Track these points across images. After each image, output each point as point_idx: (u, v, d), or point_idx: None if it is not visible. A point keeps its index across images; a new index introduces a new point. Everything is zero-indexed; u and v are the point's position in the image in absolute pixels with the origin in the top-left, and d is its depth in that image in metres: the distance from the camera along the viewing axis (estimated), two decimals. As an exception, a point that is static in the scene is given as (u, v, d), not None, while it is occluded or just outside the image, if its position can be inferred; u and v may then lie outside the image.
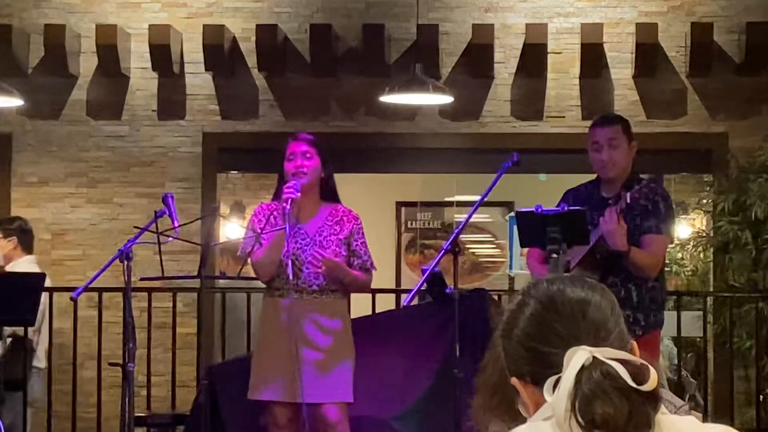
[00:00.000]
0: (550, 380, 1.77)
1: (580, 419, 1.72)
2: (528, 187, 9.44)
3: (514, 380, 1.87)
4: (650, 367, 1.76)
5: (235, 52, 8.70)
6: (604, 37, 8.49)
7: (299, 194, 5.63)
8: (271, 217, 5.70)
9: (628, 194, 5.33)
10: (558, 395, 1.74)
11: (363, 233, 5.89)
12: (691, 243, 9.32)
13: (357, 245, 5.85)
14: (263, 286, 7.97)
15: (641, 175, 5.73)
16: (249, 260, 5.85)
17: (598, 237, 5.41)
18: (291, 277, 5.59)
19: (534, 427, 1.80)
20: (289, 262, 5.61)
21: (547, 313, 1.85)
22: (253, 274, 5.97)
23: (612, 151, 5.58)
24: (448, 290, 5.72)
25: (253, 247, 5.69)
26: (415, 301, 6.08)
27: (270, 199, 5.95)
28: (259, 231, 5.69)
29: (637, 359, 1.77)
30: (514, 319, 1.88)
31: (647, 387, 1.73)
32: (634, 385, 1.73)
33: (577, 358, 1.75)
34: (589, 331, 1.82)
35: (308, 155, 5.74)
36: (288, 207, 5.57)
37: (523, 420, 1.86)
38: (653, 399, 1.75)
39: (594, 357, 1.75)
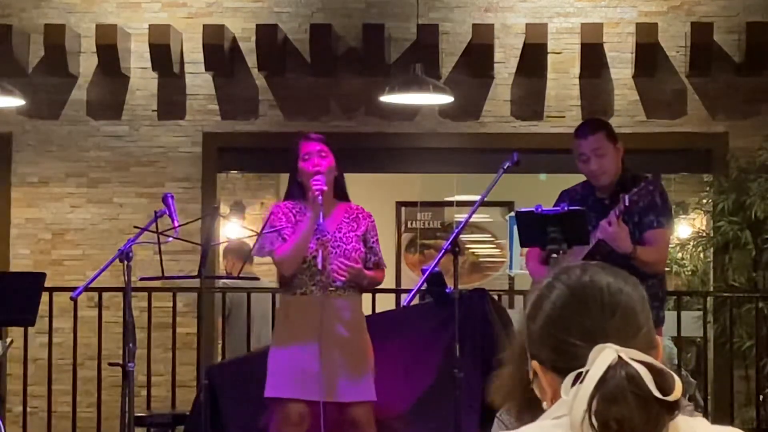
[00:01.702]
0: (569, 378, 1.72)
1: (594, 421, 1.66)
2: (528, 187, 9.42)
3: (534, 363, 1.81)
4: (675, 376, 1.69)
5: (235, 52, 8.70)
6: (604, 37, 8.49)
7: (326, 187, 5.61)
8: (295, 215, 5.67)
9: (627, 197, 5.32)
10: (579, 395, 1.68)
11: (376, 230, 5.89)
12: (691, 243, 9.32)
13: (373, 242, 5.83)
14: (263, 286, 7.99)
15: (646, 174, 5.71)
16: (272, 258, 5.80)
17: (597, 240, 5.40)
18: (320, 266, 5.58)
19: (542, 427, 1.76)
20: (320, 252, 5.59)
21: (575, 303, 1.78)
22: (253, 274, 5.95)
23: (599, 159, 5.56)
24: (448, 290, 5.71)
25: (275, 245, 5.65)
26: (415, 301, 6.07)
27: (276, 199, 5.91)
28: (280, 230, 5.65)
29: (665, 368, 1.70)
30: (540, 303, 1.82)
31: (671, 398, 1.68)
32: (657, 394, 1.67)
33: (602, 357, 1.69)
34: (618, 327, 1.75)
35: (323, 154, 5.71)
36: (321, 198, 5.54)
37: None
38: (673, 408, 1.69)
39: (619, 357, 1.69)
